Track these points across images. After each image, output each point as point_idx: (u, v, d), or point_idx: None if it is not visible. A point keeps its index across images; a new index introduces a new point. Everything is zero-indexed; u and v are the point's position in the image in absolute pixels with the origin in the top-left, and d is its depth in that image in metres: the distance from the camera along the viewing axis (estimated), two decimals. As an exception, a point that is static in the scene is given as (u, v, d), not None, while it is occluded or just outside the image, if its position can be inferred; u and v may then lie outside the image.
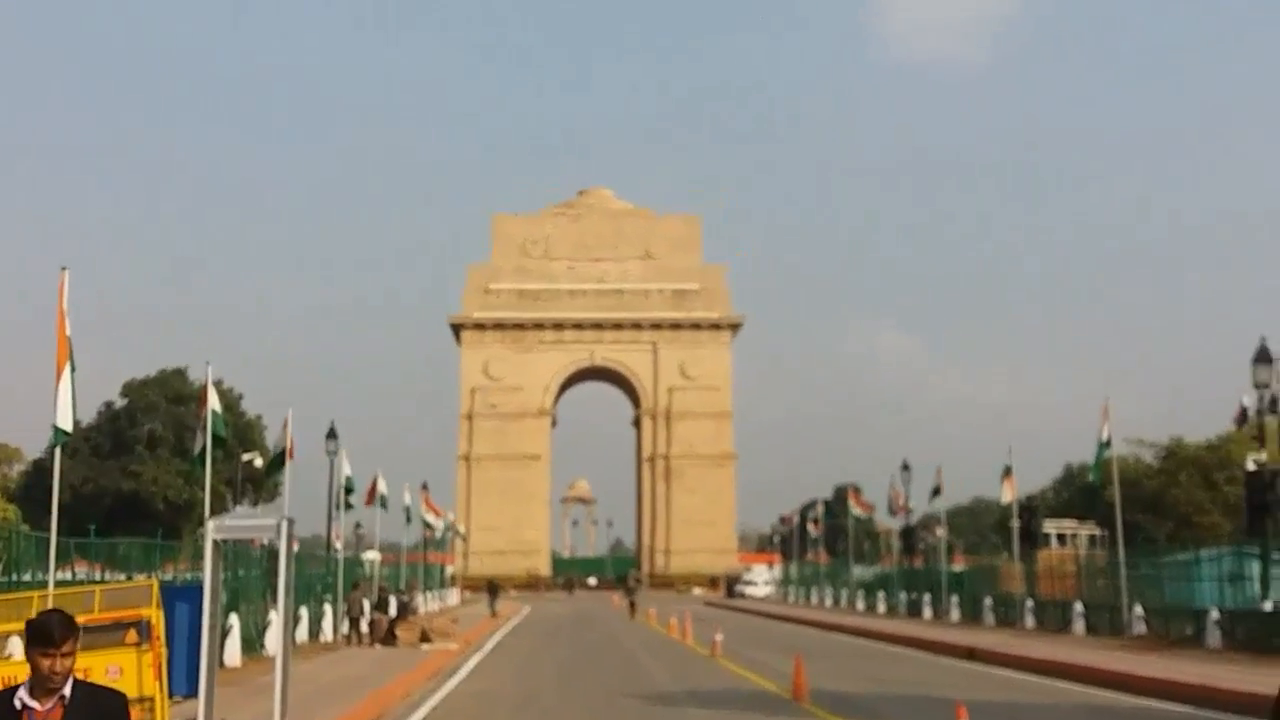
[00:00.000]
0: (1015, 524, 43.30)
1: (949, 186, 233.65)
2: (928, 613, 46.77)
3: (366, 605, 33.47)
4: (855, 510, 70.74)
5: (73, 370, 15.78)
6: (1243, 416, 31.12)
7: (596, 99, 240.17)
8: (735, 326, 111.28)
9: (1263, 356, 27.49)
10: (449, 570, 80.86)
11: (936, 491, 48.11)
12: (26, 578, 19.41)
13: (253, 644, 25.08)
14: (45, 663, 4.67)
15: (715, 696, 19.66)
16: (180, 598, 17.04)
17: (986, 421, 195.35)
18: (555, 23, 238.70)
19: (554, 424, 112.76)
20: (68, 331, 15.65)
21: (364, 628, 32.51)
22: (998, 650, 27.49)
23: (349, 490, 38.50)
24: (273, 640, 25.08)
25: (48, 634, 4.68)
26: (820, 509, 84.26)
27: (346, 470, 37.84)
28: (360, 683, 20.62)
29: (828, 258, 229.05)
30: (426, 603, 52.13)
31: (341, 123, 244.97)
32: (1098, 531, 61.78)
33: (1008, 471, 41.64)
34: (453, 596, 70.81)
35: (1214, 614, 27.31)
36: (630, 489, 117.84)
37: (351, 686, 19.94)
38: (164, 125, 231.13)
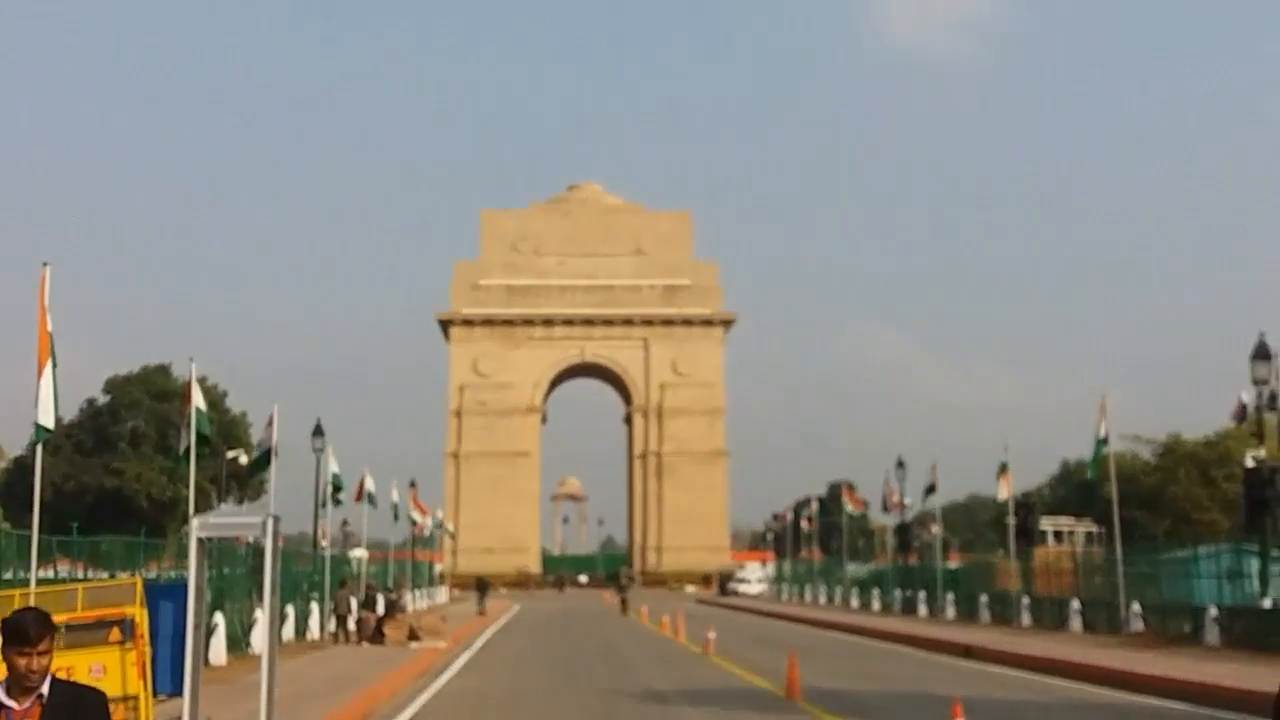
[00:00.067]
0: (1011, 521, 43.27)
1: (944, 182, 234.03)
2: (923, 610, 46.81)
3: (354, 603, 33.39)
4: (849, 507, 70.74)
5: (54, 366, 15.68)
6: (1241, 412, 31.10)
7: (586, 94, 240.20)
8: (727, 323, 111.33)
9: (1261, 353, 27.50)
10: (437, 568, 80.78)
11: (931, 488, 48.12)
12: (8, 576, 19.29)
13: (238, 643, 25.00)
14: (21, 662, 4.61)
15: (708, 695, 19.63)
16: (164, 596, 16.99)
17: (982, 417, 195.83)
18: (544, 17, 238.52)
19: (544, 421, 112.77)
20: (49, 327, 15.56)
21: (351, 626, 32.43)
22: (994, 648, 27.51)
23: (337, 488, 38.41)
24: (259, 639, 25.00)
25: (23, 632, 4.63)
26: (814, 506, 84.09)
27: (333, 468, 37.76)
28: (348, 681, 20.55)
29: (821, 254, 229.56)
30: (415, 601, 52.04)
31: (327, 117, 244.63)
32: (1095, 528, 61.94)
33: (1004, 468, 41.66)
34: (441, 594, 70.75)
35: (1212, 611, 27.36)
36: (622, 486, 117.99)
37: (339, 685, 19.87)
38: (147, 117, 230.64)
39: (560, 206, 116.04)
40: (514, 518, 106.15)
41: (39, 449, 16.72)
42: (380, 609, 32.97)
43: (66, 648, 11.73)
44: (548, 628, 42.68)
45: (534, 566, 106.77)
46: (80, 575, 22.68)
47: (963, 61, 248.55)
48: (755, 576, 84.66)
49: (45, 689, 4.67)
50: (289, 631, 30.76)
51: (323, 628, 33.73)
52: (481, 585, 54.93)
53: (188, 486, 22.66)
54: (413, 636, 31.74)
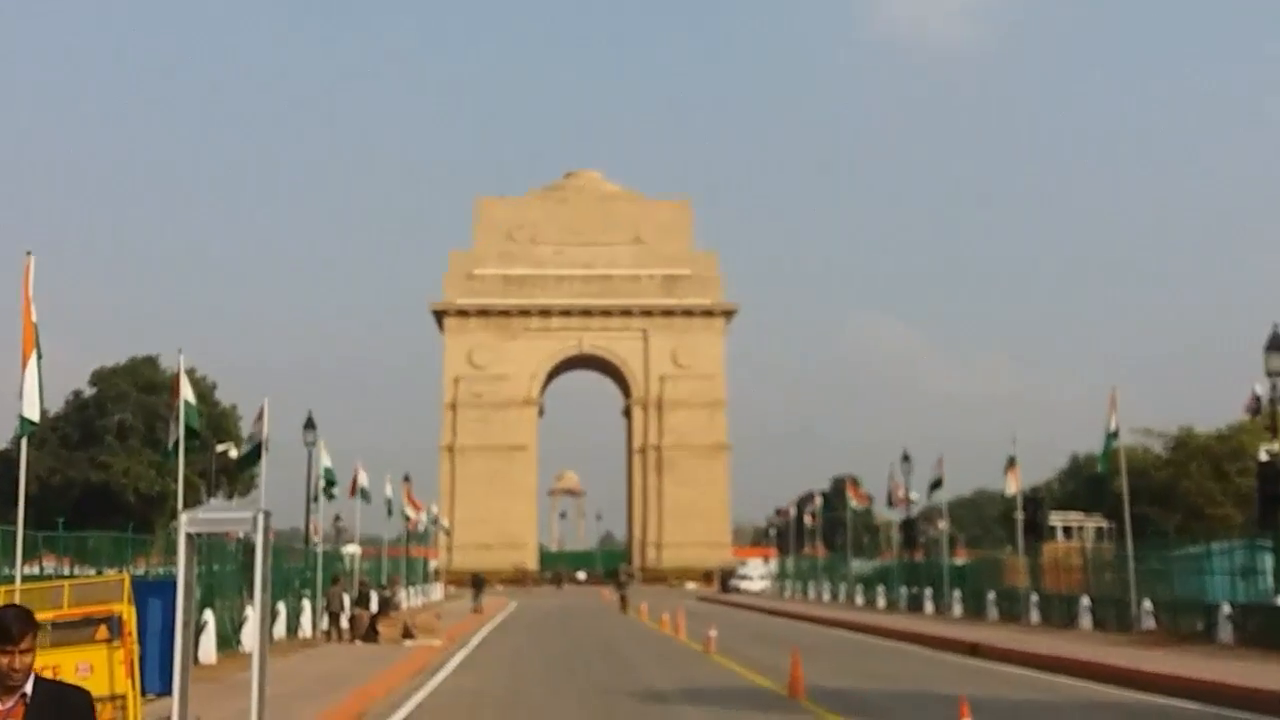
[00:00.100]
0: (1020, 516, 43.32)
1: (948, 172, 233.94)
2: (929, 608, 46.87)
3: (347, 600, 33.42)
4: (853, 502, 70.81)
5: (39, 358, 15.68)
6: (1255, 405, 31.11)
7: (583, 79, 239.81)
8: (728, 313, 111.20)
9: (1275, 344, 27.51)
10: (432, 565, 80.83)
11: (938, 483, 48.15)
12: (-8, 573, 19.29)
13: (229, 640, 25.02)
14: (4, 660, 4.60)
15: (709, 694, 19.64)
16: (153, 593, 16.97)
17: (989, 410, 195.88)
18: (542, 3, 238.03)
19: (541, 414, 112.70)
20: (34, 318, 15.55)
21: (344, 624, 32.46)
22: (1002, 646, 27.54)
23: (330, 483, 38.40)
24: (249, 636, 25.00)
25: (4, 630, 4.61)
26: (818, 501, 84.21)
27: (325, 462, 37.75)
28: (341, 680, 20.56)
29: (823, 245, 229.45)
30: (409, 598, 52.13)
31: (320, 106, 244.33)
32: (1105, 524, 62.02)
33: (1012, 462, 41.64)
34: (436, 591, 70.82)
35: (1225, 608, 27.37)
36: (620, 481, 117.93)
37: (332, 684, 19.88)
38: (136, 106, 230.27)
39: (557, 194, 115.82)
40: (510, 513, 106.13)
41: (23, 442, 16.71)
42: (374, 606, 33.01)
43: (52, 646, 11.73)
44: (545, 625, 42.73)
45: (531, 563, 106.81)
46: (66, 572, 22.71)
47: (966, 49, 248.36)
48: (757, 573, 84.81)
49: (29, 688, 4.66)
50: (280, 629, 30.77)
51: (315, 625, 33.76)
52: (477, 582, 54.87)
53: (176, 481, 22.64)
54: (407, 634, 31.77)
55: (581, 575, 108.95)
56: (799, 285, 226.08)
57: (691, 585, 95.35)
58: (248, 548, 25.38)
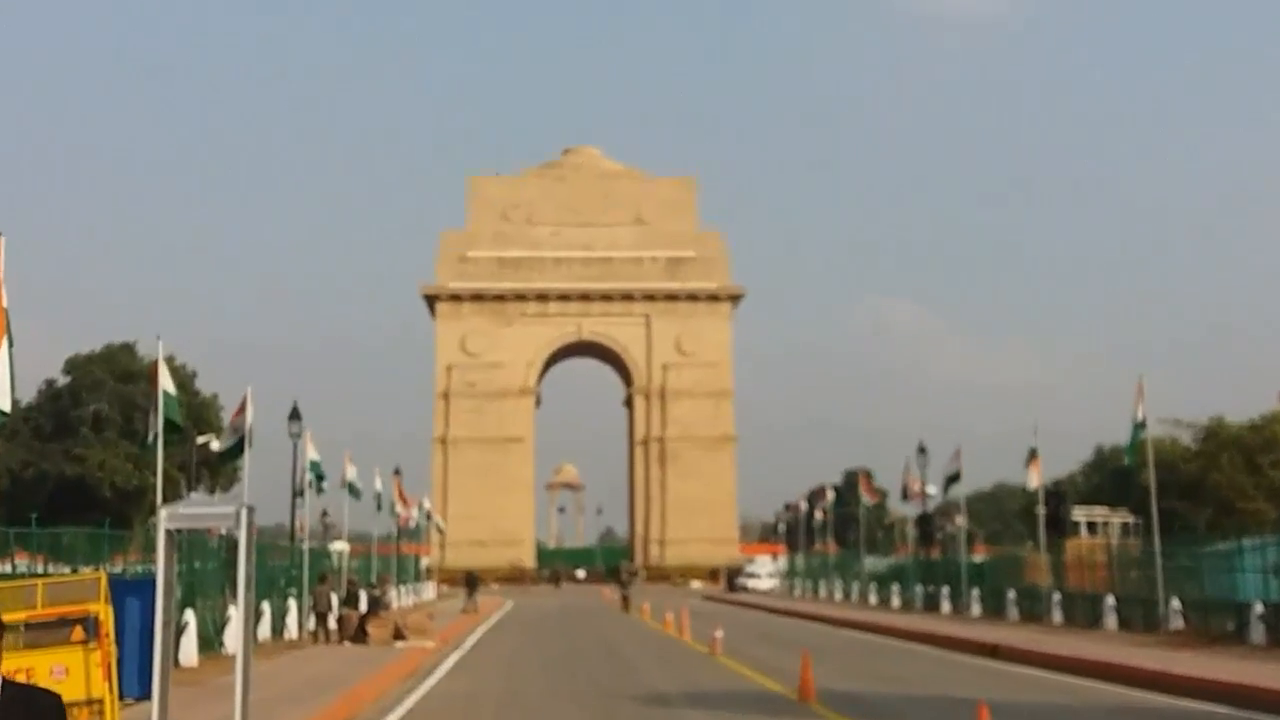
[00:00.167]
0: (1041, 511, 43.36)
1: (968, 148, 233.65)
2: (946, 607, 46.97)
3: (334, 600, 33.49)
4: (866, 497, 70.88)
5: (10, 345, 15.66)
6: (1289, 394, 31.14)
7: (582, 51, 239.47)
8: (735, 298, 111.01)
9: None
10: (424, 562, 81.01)
11: (955, 476, 48.18)
12: (-38, 571, 19.35)
13: (211, 642, 25.07)
14: (-29, 663, 4.61)
15: (715, 698, 19.68)
16: (131, 592, 17.03)
17: (1010, 399, 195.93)
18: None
19: (538, 403, 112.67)
20: (4, 303, 15.54)
21: (332, 624, 32.54)
22: (1022, 647, 27.58)
23: (318, 476, 38.43)
24: (232, 638, 25.06)
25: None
26: (829, 495, 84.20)
27: (312, 454, 37.79)
28: (329, 683, 20.60)
29: (836, 225, 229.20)
30: (400, 597, 52.24)
31: (305, 81, 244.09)
32: (1131, 519, 62.04)
33: (1033, 454, 41.66)
34: (429, 590, 71.01)
35: (1258, 608, 27.40)
36: (622, 474, 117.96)
37: (319, 687, 19.92)
38: (111, 86, 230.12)
39: (554, 171, 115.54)
40: (506, 508, 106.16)
41: (-6, 434, 16.74)
42: (363, 606, 33.06)
43: (26, 648, 11.76)
44: (543, 626, 42.82)
45: (528, 560, 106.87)
46: (40, 570, 22.76)
47: (990, 19, 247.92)
48: (765, 571, 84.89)
49: (-2, 691, 4.66)
50: (265, 630, 30.86)
51: (301, 626, 33.83)
52: (470, 580, 54.65)
53: (155, 474, 22.70)
54: (398, 635, 31.83)
55: (581, 573, 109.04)
56: (810, 268, 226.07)
57: (696, 584, 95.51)
58: (230, 545, 25.41)
